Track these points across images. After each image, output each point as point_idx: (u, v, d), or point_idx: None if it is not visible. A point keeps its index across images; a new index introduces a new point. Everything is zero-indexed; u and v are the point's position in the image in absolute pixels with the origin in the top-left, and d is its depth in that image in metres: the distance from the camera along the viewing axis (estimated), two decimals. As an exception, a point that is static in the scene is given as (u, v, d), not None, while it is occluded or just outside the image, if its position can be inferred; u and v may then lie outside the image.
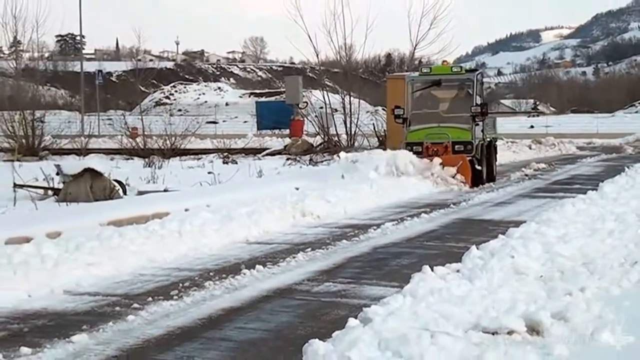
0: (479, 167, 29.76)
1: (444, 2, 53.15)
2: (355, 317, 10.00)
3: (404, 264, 15.54)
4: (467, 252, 13.82)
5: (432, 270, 12.39)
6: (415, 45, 53.02)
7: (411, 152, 29.49)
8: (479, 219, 22.49)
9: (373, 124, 48.99)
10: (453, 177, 28.68)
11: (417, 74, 33.18)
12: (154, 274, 15.07)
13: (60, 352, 10.26)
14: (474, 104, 29.69)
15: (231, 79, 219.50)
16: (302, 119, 56.39)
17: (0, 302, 12.55)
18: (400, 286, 12.03)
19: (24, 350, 10.22)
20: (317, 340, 8.77)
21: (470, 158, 29.11)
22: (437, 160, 28.85)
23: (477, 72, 32.16)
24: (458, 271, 12.52)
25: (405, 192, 27.17)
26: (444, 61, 32.58)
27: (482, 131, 30.89)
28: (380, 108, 51.61)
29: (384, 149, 44.72)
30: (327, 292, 13.73)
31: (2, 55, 58.34)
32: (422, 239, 19.15)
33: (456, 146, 28.97)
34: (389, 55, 75.26)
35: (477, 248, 14.06)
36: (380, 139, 47.37)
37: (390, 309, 10.20)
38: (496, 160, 34.43)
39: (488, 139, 32.35)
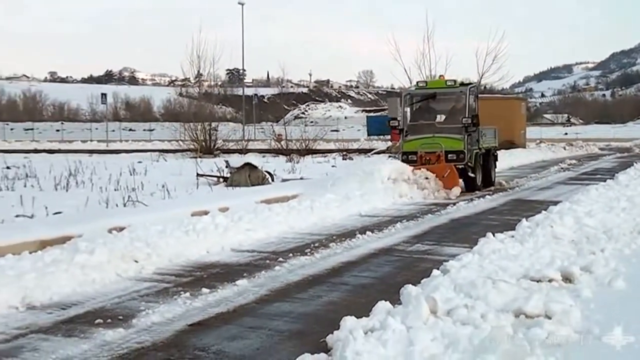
0: (472, 175, 24.63)
1: (503, 44, 52.29)
2: (438, 269, 9.97)
3: (473, 231, 15.45)
4: (519, 223, 13.76)
5: (494, 235, 12.35)
6: (481, 76, 52.55)
7: (406, 161, 24.37)
8: (528, 199, 22.30)
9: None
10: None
11: (414, 87, 27.88)
12: (293, 237, 15.14)
13: (228, 292, 10.36)
14: (466, 116, 24.45)
15: (349, 100, 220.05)
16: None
17: (188, 257, 12.73)
18: (470, 247, 11.95)
19: (204, 290, 10.34)
20: (410, 284, 8.75)
21: (462, 166, 24.13)
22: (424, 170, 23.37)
23: (471, 86, 26.49)
24: (512, 236, 12.44)
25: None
26: (440, 75, 28.82)
27: (477, 141, 25.59)
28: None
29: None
30: (417, 251, 13.73)
31: (189, 83, 58.93)
32: (486, 213, 19.06)
33: (449, 155, 24.03)
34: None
35: (526, 220, 13.98)
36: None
37: (463, 263, 10.18)
38: (495, 167, 28.24)
39: (486, 148, 26.83)
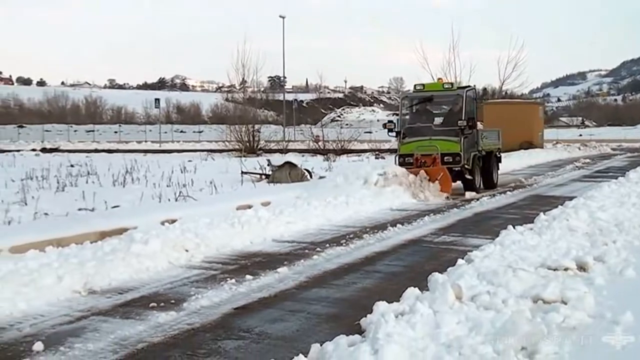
0: (469, 177, 22.71)
1: (522, 53, 52.14)
2: (462, 258, 9.96)
3: (494, 223, 15.37)
4: (537, 217, 13.69)
5: (514, 228, 12.29)
6: (503, 82, 52.65)
7: (403, 164, 22.53)
8: (545, 195, 22.16)
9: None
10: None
11: (411, 90, 25.48)
12: (330, 229, 15.14)
13: (270, 279, 10.38)
14: (462, 118, 22.36)
15: (381, 104, 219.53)
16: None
17: (234, 247, 12.78)
18: (492, 238, 11.90)
19: (248, 277, 10.36)
20: (437, 272, 8.72)
21: (458, 168, 22.32)
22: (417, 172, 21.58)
23: (468, 89, 24.21)
24: (531, 229, 12.37)
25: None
26: (439, 78, 25.63)
27: (476, 143, 23.62)
28: (479, 123, 50.98)
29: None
30: (443, 242, 13.68)
31: (235, 89, 59.23)
32: (506, 208, 18.97)
33: (445, 157, 22.06)
34: (485, 89, 74.97)
35: (544, 214, 13.89)
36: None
37: (486, 253, 10.14)
38: (498, 169, 26.29)
39: (488, 150, 24.76)
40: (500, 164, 26.85)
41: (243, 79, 53.85)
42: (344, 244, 13.32)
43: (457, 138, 22.30)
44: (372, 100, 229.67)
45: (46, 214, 15.73)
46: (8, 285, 8.96)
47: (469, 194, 22.14)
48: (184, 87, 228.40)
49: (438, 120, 24.02)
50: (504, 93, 55.13)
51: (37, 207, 16.47)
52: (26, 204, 17.61)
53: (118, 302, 9.09)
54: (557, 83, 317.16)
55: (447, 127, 22.88)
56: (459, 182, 22.83)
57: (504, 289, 7.96)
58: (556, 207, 15.15)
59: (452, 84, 23.97)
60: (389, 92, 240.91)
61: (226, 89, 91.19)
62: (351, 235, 14.29)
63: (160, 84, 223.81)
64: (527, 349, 6.12)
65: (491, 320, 6.75)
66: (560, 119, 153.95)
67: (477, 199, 20.66)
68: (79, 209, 16.69)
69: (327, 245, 13.19)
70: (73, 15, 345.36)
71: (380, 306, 7.42)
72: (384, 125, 24.41)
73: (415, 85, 24.54)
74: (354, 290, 9.83)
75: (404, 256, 12.39)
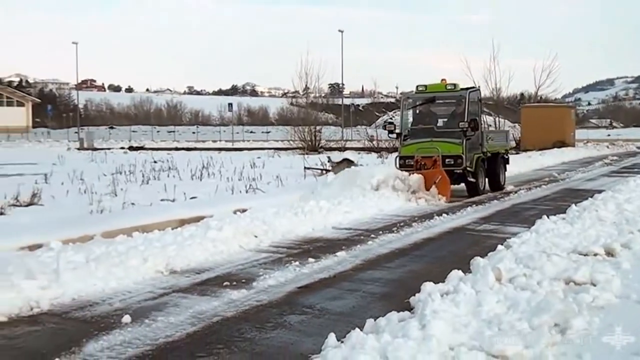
0: (472, 180, 19.93)
1: (555, 62, 51.55)
2: (502, 244, 9.87)
3: (530, 214, 15.20)
4: (569, 208, 13.53)
5: (548, 218, 12.15)
6: (538, 88, 52.08)
7: (404, 165, 19.79)
8: (576, 188, 21.86)
9: (512, 134, 48.47)
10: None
11: (413, 91, 21.91)
12: (382, 218, 15.10)
13: (329, 261, 10.39)
14: (464, 120, 19.53)
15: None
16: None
17: (297, 233, 12.82)
18: (528, 227, 11.78)
19: (310, 260, 10.38)
20: (479, 257, 8.68)
21: (460, 171, 19.54)
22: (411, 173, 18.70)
23: (471, 90, 21.02)
24: (564, 219, 12.23)
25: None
26: (442, 79, 21.33)
27: (481, 144, 20.77)
28: (517, 124, 50.55)
29: (519, 149, 44.69)
30: (484, 230, 13.58)
31: (299, 95, 59.46)
32: (541, 200, 18.76)
33: (446, 160, 19.28)
34: (522, 94, 74.28)
35: (575, 205, 13.73)
36: (517, 142, 46.94)
37: (523, 240, 10.06)
38: (505, 170, 22.94)
39: (494, 151, 21.83)
40: (507, 166, 23.47)
41: (306, 85, 53.88)
42: (395, 231, 13.29)
43: (459, 140, 19.55)
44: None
45: (133, 203, 15.90)
46: (101, 265, 9.08)
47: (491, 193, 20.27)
48: (254, 92, 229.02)
49: (442, 121, 21.14)
50: (539, 98, 54.56)
51: (126, 197, 16.66)
52: (116, 195, 17.82)
53: (195, 281, 9.17)
54: (587, 89, 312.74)
55: (449, 129, 20.08)
56: (463, 185, 20.23)
57: (539, 272, 7.92)
58: (586, 199, 14.98)
59: (455, 84, 20.65)
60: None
61: (291, 95, 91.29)
62: (401, 224, 14.23)
63: (233, 90, 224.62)
64: (560, 325, 6.07)
65: (527, 299, 6.70)
66: (590, 120, 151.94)
67: (515, 192, 20.45)
68: (162, 200, 16.83)
69: (380, 232, 13.16)
70: (157, 30, 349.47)
71: (428, 286, 7.40)
72: (384, 127, 22.23)
73: (417, 86, 21.36)
74: (404, 272, 9.81)
75: (448, 242, 12.34)
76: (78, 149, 58.43)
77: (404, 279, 9.20)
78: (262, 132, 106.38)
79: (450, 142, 19.54)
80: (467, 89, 20.83)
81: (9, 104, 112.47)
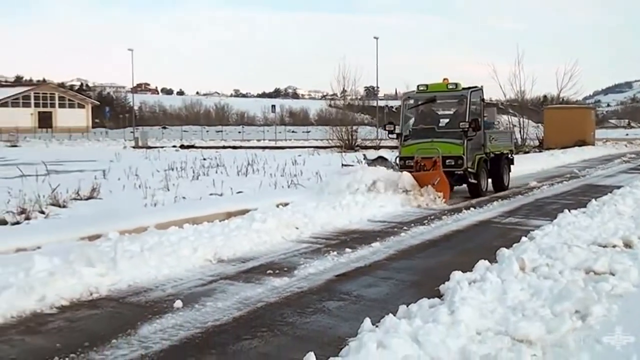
0: (473, 181, 18.07)
1: (577, 66, 51.16)
2: (525, 236, 9.81)
3: (552, 208, 15.06)
4: (589, 202, 13.46)
5: (569, 211, 12.05)
6: (560, 91, 51.64)
7: (404, 167, 18.05)
8: (596, 184, 21.62)
9: (536, 133, 48.03)
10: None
11: (414, 91, 19.95)
12: (414, 212, 15.03)
13: (365, 251, 10.39)
14: (465, 120, 17.69)
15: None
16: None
17: (335, 225, 12.82)
18: (551, 220, 11.71)
19: (347, 250, 10.39)
20: (504, 248, 8.64)
21: (461, 172, 17.78)
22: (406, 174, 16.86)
23: (472, 90, 18.73)
24: (584, 212, 12.13)
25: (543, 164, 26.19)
26: (444, 78, 19.32)
27: (483, 145, 18.77)
28: (540, 124, 50.05)
29: (542, 147, 44.31)
30: (509, 222, 13.48)
31: (336, 97, 59.56)
32: (563, 195, 18.58)
33: (447, 161, 17.51)
34: (544, 96, 73.55)
35: (595, 200, 13.61)
36: (540, 141, 46.57)
37: (545, 232, 10.00)
38: (510, 171, 20.94)
39: (497, 152, 19.84)
40: (512, 166, 21.39)
41: (343, 88, 53.81)
42: (426, 224, 13.26)
43: (459, 140, 17.73)
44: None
45: (184, 197, 16.03)
46: (154, 254, 9.16)
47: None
48: (295, 95, 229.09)
49: (443, 122, 19.23)
50: (561, 99, 54.03)
51: (177, 192, 16.81)
52: (168, 189, 17.97)
53: (241, 269, 9.21)
54: (606, 91, 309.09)
55: (450, 129, 18.24)
56: (464, 186, 18.56)
57: (561, 262, 7.87)
58: (606, 195, 14.88)
59: (456, 84, 18.70)
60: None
61: (329, 97, 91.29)
62: (432, 217, 14.19)
63: (276, 93, 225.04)
64: (580, 312, 6.03)
65: (550, 287, 6.67)
66: (610, 121, 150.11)
67: (538, 187, 20.29)
68: (210, 194, 16.94)
69: (412, 224, 13.13)
70: (207, 37, 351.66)
71: (456, 275, 7.38)
72: (384, 127, 20.23)
73: (418, 86, 19.49)
74: (434, 261, 9.79)
75: (476, 234, 12.28)
76: (133, 147, 58.86)
77: (434, 268, 9.17)
78: (303, 132, 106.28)
79: (450, 143, 17.80)
80: (469, 88, 18.79)
81: (71, 106, 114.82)
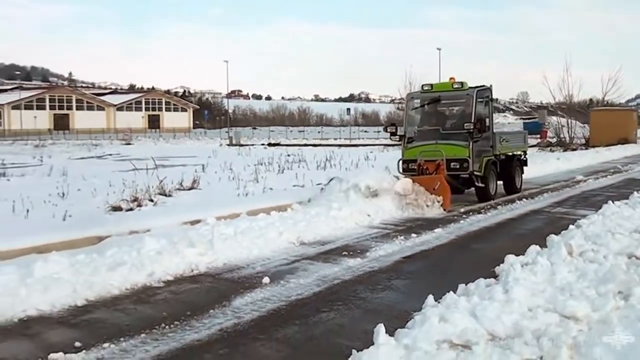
0: (481, 184, 15.11)
1: (620, 71, 49.72)
2: (573, 224, 9.56)
3: (598, 199, 14.65)
4: (631, 194, 13.01)
5: (613, 202, 11.68)
6: (605, 94, 50.28)
7: (407, 170, 15.19)
8: (638, 178, 20.93)
9: (582, 133, 46.85)
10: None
11: (418, 91, 17.08)
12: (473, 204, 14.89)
13: (429, 237, 10.33)
14: (470, 121, 14.62)
15: (511, 112, 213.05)
16: (546, 130, 54.03)
17: (403, 214, 12.78)
18: (596, 210, 11.37)
19: (413, 235, 10.37)
20: (553, 234, 8.44)
21: (466, 175, 14.92)
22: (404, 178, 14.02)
23: (479, 89, 15.53)
24: (626, 203, 11.73)
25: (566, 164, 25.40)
26: (451, 78, 16.02)
27: (492, 147, 15.76)
28: (586, 125, 48.77)
29: (588, 145, 43.18)
30: (558, 212, 13.19)
31: (404, 101, 59.56)
32: (607, 188, 18.07)
33: (452, 164, 14.60)
34: (590, 99, 71.70)
35: (637, 192, 13.18)
36: (586, 140, 45.44)
37: (591, 221, 9.72)
38: (522, 173, 17.71)
39: (508, 154, 16.92)
40: (525, 168, 18.29)
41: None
42: (483, 212, 13.12)
43: (465, 142, 14.78)
44: (504, 109, 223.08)
45: (271, 188, 16.14)
46: (246, 237, 9.28)
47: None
48: (367, 99, 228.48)
49: (449, 123, 15.90)
50: (605, 102, 52.60)
51: (265, 184, 16.95)
52: (257, 181, 18.13)
53: (320, 251, 9.26)
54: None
55: (455, 131, 15.09)
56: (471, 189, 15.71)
57: (605, 248, 7.68)
58: (648, 188, 14.41)
59: (462, 83, 15.57)
60: (517, 102, 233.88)
61: (398, 101, 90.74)
62: (488, 207, 13.99)
63: (350, 97, 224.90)
64: (623, 292, 5.86)
65: (595, 270, 6.51)
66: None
67: (584, 181, 19.74)
68: (294, 186, 17.03)
69: (471, 213, 13.01)
70: (292, 49, 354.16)
71: (510, 258, 7.27)
72: (385, 129, 16.89)
73: (422, 85, 16.46)
74: (491, 245, 9.67)
75: (527, 222, 12.04)
76: (228, 145, 59.64)
77: (490, 251, 9.03)
78: (374, 132, 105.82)
79: (455, 145, 14.89)
80: (476, 87, 15.68)
81: (175, 109, 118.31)
